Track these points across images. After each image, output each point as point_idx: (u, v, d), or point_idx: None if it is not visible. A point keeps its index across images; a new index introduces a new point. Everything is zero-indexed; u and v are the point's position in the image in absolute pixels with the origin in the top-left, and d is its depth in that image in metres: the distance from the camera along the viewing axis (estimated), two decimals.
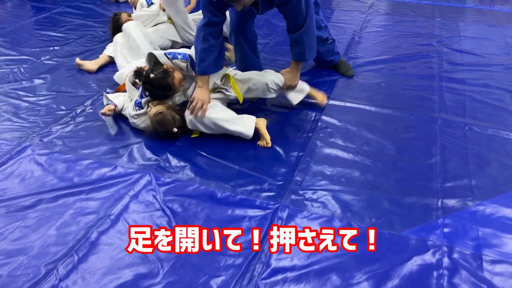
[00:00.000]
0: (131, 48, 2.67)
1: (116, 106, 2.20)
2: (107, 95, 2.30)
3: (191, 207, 1.71)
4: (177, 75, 2.08)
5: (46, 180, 1.85)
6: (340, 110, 2.38)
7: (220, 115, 2.04)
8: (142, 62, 2.26)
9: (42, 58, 2.96)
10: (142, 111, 2.11)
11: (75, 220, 1.64)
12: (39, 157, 1.98)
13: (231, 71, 2.27)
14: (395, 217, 1.66)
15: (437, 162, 1.96)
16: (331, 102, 2.44)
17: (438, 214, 1.67)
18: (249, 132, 2.05)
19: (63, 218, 1.65)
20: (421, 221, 1.64)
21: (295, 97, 2.30)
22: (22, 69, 2.79)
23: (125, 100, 2.24)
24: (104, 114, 2.18)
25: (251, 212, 1.69)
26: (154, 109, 2.02)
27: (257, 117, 2.12)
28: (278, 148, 2.05)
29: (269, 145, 2.05)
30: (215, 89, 2.18)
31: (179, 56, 2.07)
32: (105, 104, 2.27)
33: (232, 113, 2.10)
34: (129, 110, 2.15)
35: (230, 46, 2.62)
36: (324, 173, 1.90)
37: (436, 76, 2.73)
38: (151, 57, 2.13)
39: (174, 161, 1.98)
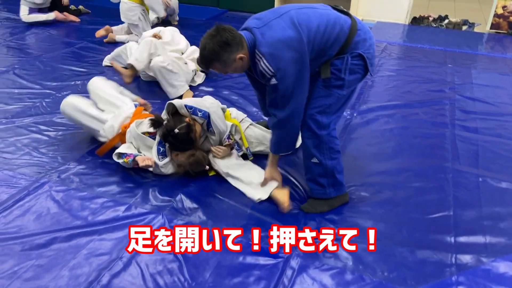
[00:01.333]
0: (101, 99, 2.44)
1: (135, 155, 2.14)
2: (119, 150, 2.15)
3: (202, 252, 1.71)
4: (198, 129, 2.14)
5: (61, 218, 1.88)
6: (353, 155, 2.40)
7: (241, 175, 2.08)
8: (124, 113, 2.27)
9: (64, 92, 3.06)
10: (167, 159, 2.13)
11: (87, 261, 1.66)
12: (56, 194, 2.02)
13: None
14: (408, 272, 1.65)
15: (450, 215, 1.95)
16: (342, 144, 2.46)
17: (452, 270, 1.65)
18: (256, 196, 2.00)
19: (76, 258, 1.66)
20: (435, 277, 1.62)
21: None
22: (44, 103, 2.89)
23: (133, 150, 2.18)
24: (148, 166, 2.10)
25: (262, 260, 1.69)
26: (184, 154, 2.08)
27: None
28: (291, 193, 2.06)
29: (289, 208, 1.94)
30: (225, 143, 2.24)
31: (199, 114, 2.12)
32: (116, 160, 2.15)
33: (254, 176, 2.06)
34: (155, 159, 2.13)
35: None
36: (336, 222, 1.90)
37: (448, 124, 2.75)
38: (169, 106, 2.19)
39: (187, 202, 2.00)
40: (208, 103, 2.20)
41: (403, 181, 2.19)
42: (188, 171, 2.12)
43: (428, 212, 1.98)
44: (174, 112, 2.19)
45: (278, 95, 1.73)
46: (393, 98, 3.13)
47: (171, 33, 3.46)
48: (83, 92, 3.08)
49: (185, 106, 2.13)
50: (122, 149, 2.16)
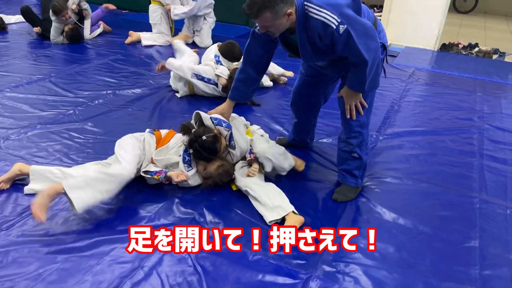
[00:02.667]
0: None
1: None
2: (147, 169, 2.16)
3: (222, 267, 1.73)
4: (223, 142, 2.17)
5: (87, 224, 1.92)
6: (376, 180, 2.38)
7: (258, 195, 2.07)
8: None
9: (96, 101, 3.17)
10: (194, 170, 2.17)
11: (110, 268, 1.69)
12: None
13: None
14: None
15: (476, 247, 1.90)
16: (368, 167, 2.45)
17: None
18: (269, 218, 1.98)
19: (99, 265, 1.70)
20: None
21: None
22: (76, 111, 3.00)
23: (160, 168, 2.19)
24: (183, 181, 2.11)
25: (281, 279, 1.68)
26: (213, 164, 2.14)
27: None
28: (310, 215, 2.06)
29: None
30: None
31: (224, 124, 2.18)
32: (145, 176, 2.16)
33: (269, 197, 2.05)
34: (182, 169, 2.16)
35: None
36: (358, 245, 1.88)
37: (476, 154, 2.70)
38: (197, 116, 2.24)
39: (209, 217, 2.02)
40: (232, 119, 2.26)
41: (428, 208, 2.15)
42: (215, 181, 2.16)
43: (453, 242, 1.93)
44: (201, 124, 2.24)
45: (355, 39, 1.70)
46: (419, 124, 3.11)
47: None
48: (114, 101, 3.19)
49: (211, 118, 2.18)
50: (150, 167, 2.17)
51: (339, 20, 1.70)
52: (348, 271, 1.73)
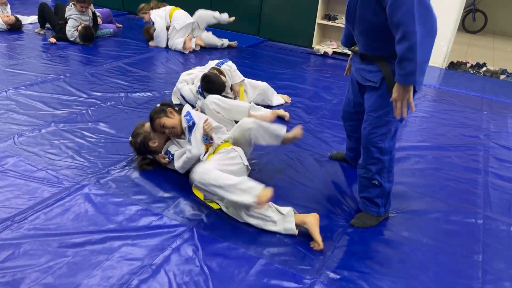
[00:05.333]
0: None
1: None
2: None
3: (228, 268, 1.76)
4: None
5: (98, 220, 1.97)
6: None
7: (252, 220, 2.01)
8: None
9: (108, 103, 3.24)
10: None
11: (119, 264, 1.72)
12: (94, 197, 2.12)
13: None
14: None
15: (479, 261, 1.93)
16: None
17: None
18: (284, 229, 1.96)
19: (109, 260, 1.73)
20: None
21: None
22: (89, 111, 3.06)
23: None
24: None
25: (285, 283, 1.71)
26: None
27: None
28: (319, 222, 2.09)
29: (321, 247, 1.89)
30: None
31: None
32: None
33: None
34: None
35: None
36: (362, 254, 1.91)
37: (482, 171, 2.73)
38: None
39: (218, 220, 2.05)
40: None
41: (432, 222, 2.18)
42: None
43: (457, 255, 1.96)
44: None
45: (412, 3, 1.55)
46: (425, 139, 3.14)
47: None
48: (125, 103, 3.25)
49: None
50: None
51: None
52: (352, 278, 1.76)
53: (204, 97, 2.96)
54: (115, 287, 1.61)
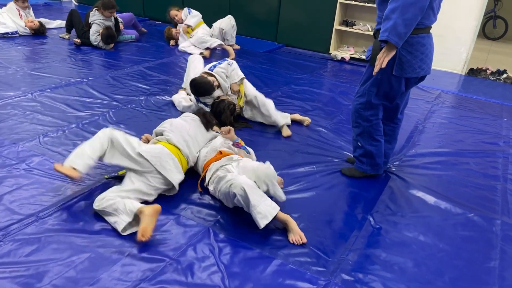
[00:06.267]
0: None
1: None
2: None
3: (244, 267, 1.79)
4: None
5: None
6: (399, 195, 2.41)
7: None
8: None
9: (129, 106, 3.32)
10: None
11: (137, 260, 1.77)
12: None
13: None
14: None
15: (496, 267, 1.91)
16: (391, 184, 2.48)
17: None
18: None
19: (128, 257, 1.79)
20: None
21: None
22: (111, 113, 3.15)
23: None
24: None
25: (300, 284, 1.73)
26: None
27: None
28: (333, 225, 2.11)
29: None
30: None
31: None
32: None
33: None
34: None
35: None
36: (377, 257, 1.91)
37: (500, 177, 2.70)
38: None
39: (233, 220, 2.09)
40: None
41: (449, 227, 2.17)
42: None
43: (473, 261, 1.94)
44: None
45: None
46: (443, 145, 3.12)
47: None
48: (145, 106, 3.33)
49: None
50: None
51: None
52: (366, 281, 1.77)
53: (201, 102, 3.07)
54: (134, 282, 1.66)
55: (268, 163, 2.09)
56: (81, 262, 1.75)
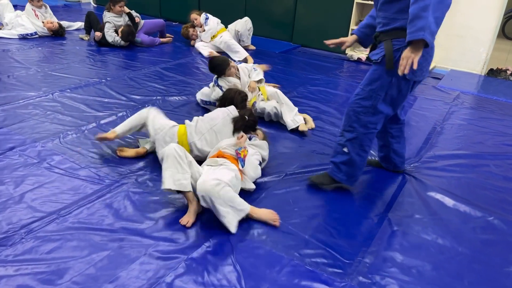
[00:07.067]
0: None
1: None
2: None
3: (260, 267, 1.79)
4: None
5: (136, 217, 2.05)
6: (417, 197, 2.38)
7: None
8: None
9: (146, 106, 3.36)
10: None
11: (156, 259, 1.80)
12: (133, 195, 2.22)
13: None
14: None
15: None
16: (408, 186, 2.46)
17: None
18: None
19: (146, 255, 1.81)
20: None
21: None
22: (128, 114, 3.19)
23: None
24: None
25: (316, 285, 1.73)
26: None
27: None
28: (350, 226, 2.10)
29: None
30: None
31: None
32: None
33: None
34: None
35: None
36: (394, 260, 1.90)
37: None
38: None
39: (249, 220, 2.09)
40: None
41: (468, 231, 2.14)
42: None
43: (493, 265, 1.91)
44: None
45: None
46: (462, 147, 3.07)
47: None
48: (162, 106, 3.37)
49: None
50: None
51: None
52: (383, 284, 1.75)
53: (217, 85, 3.23)
54: (152, 280, 1.68)
55: (211, 177, 2.02)
56: (101, 260, 1.78)
